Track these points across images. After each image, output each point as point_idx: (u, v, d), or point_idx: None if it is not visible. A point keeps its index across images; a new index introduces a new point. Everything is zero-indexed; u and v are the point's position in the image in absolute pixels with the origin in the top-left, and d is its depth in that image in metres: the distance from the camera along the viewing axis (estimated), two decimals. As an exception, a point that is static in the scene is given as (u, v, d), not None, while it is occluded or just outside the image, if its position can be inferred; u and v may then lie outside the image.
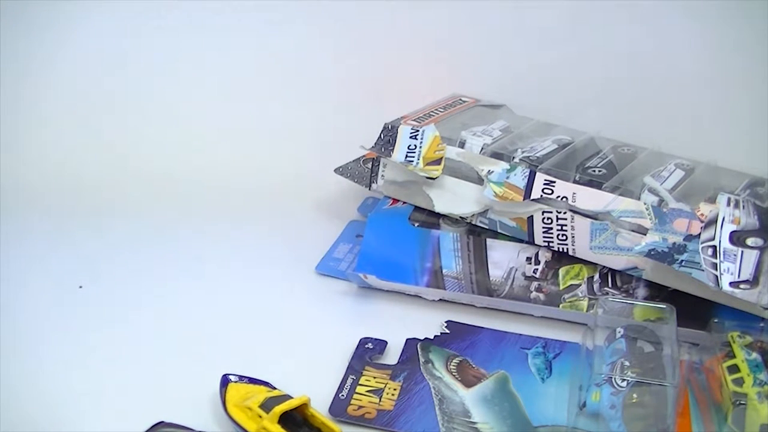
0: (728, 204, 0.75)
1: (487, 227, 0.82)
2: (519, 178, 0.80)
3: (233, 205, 0.98)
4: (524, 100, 0.98)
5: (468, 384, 0.73)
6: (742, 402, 0.67)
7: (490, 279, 0.81)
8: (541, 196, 0.78)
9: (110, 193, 1.00)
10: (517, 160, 0.82)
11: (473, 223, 0.82)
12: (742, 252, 0.72)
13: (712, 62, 0.95)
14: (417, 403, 0.71)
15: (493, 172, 0.81)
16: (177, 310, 0.82)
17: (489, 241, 0.81)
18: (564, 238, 0.78)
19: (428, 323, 0.80)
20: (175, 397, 0.71)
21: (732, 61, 0.94)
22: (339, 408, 0.70)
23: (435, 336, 0.79)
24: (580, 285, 0.79)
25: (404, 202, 0.86)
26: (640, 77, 0.97)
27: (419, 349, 0.77)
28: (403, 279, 0.82)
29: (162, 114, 1.05)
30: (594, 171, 0.81)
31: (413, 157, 0.84)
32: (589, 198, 0.77)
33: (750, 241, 0.72)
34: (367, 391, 0.72)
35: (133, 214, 0.97)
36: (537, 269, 0.80)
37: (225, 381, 0.71)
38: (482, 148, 0.84)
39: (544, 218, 0.78)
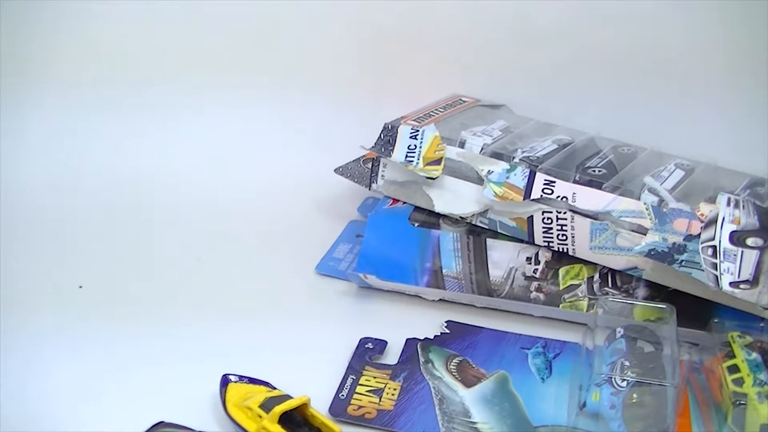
0: (728, 204, 0.75)
1: (487, 227, 0.82)
2: (519, 178, 0.80)
3: (233, 205, 0.98)
4: (524, 100, 0.98)
5: (468, 384, 0.73)
6: (742, 402, 0.67)
7: (490, 279, 0.81)
8: (541, 196, 0.78)
9: (110, 194, 0.99)
10: (517, 160, 0.82)
11: (473, 223, 0.82)
12: (742, 252, 0.72)
13: (712, 62, 0.95)
14: (417, 403, 0.71)
15: (493, 172, 0.81)
16: (177, 310, 0.82)
17: (489, 241, 0.81)
18: (564, 238, 0.78)
19: (428, 323, 0.80)
20: (175, 397, 0.71)
21: (732, 61, 0.94)
22: (339, 408, 0.70)
23: (435, 336, 0.79)
24: (580, 285, 0.79)
25: (404, 202, 0.86)
26: (640, 77, 0.97)
27: (419, 349, 0.77)
28: (403, 279, 0.82)
29: (161, 115, 1.05)
30: (594, 171, 0.81)
31: (413, 157, 0.84)
32: (589, 198, 0.77)
33: (750, 241, 0.72)
34: (367, 391, 0.72)
35: (132, 214, 0.97)
36: (537, 269, 0.80)
37: (225, 381, 0.71)
38: (482, 148, 0.84)
39: (544, 218, 0.78)
